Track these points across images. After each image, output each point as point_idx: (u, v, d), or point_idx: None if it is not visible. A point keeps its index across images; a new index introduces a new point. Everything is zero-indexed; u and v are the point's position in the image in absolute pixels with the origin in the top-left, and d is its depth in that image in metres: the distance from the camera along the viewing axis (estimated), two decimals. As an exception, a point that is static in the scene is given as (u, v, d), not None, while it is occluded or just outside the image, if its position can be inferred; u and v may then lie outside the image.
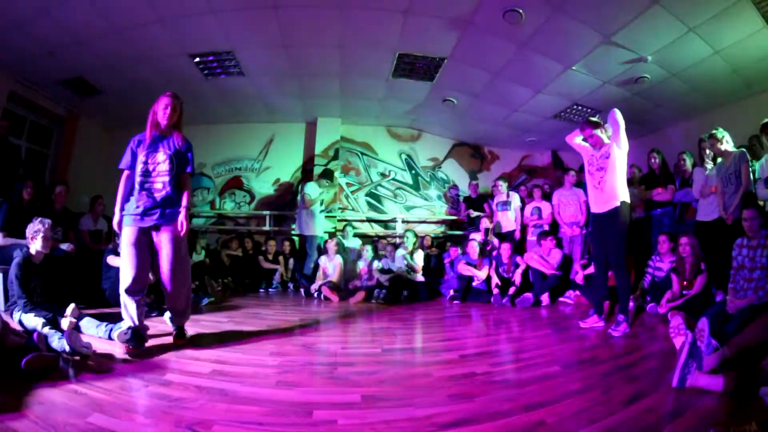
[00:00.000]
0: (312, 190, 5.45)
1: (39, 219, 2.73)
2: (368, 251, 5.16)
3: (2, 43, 4.09)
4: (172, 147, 2.35)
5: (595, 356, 2.26)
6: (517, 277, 4.41)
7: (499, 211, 5.61)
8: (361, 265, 5.10)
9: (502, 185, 5.62)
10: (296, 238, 6.09)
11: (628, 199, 2.90)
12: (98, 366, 1.90)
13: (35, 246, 2.69)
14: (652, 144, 5.69)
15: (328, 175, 5.96)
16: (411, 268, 4.85)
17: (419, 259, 4.97)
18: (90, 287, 3.63)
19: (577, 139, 3.19)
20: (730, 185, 3.37)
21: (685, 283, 3.46)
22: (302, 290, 5.05)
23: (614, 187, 2.87)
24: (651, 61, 4.23)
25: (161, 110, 2.32)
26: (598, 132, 2.98)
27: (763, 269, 2.57)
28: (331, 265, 4.86)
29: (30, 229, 2.71)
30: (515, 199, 5.58)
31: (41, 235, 2.68)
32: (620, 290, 2.89)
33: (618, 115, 2.86)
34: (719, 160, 3.58)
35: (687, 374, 1.65)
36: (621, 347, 2.49)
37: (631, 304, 3.18)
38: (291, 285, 5.44)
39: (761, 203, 3.38)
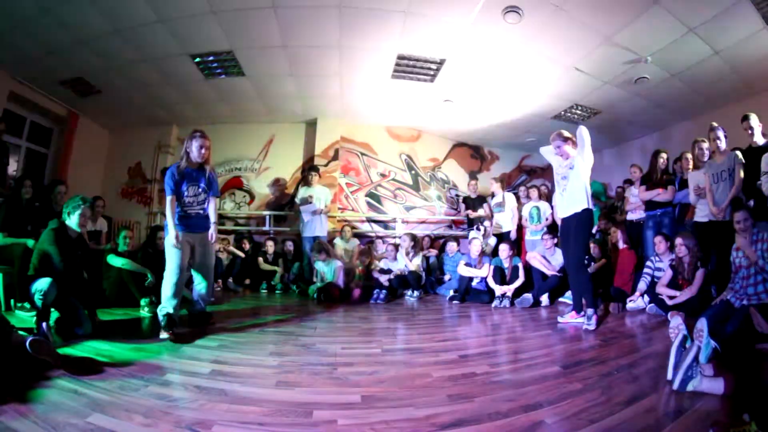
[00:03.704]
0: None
1: (81, 196, 2.84)
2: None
3: (2, 42, 4.09)
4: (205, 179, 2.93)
5: (595, 356, 2.26)
6: (520, 274, 4.44)
7: (495, 212, 5.66)
8: (360, 266, 5.09)
9: (495, 185, 5.79)
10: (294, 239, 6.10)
11: (590, 206, 3.09)
12: (98, 366, 1.90)
13: (70, 222, 2.78)
14: (652, 144, 5.70)
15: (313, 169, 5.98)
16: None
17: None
18: (89, 287, 3.62)
19: (546, 153, 3.43)
20: (721, 182, 3.39)
21: (681, 281, 3.47)
22: (298, 291, 5.07)
23: (575, 195, 3.10)
24: (651, 61, 4.23)
25: (198, 150, 2.85)
26: (566, 145, 3.20)
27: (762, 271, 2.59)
28: (327, 269, 4.81)
29: (68, 204, 2.80)
30: (510, 200, 5.61)
31: (79, 212, 2.79)
32: (583, 290, 3.12)
33: (584, 132, 3.06)
34: (710, 159, 3.62)
35: (690, 378, 1.64)
36: (621, 347, 2.48)
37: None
38: (294, 286, 5.43)
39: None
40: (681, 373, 1.64)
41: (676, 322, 2.20)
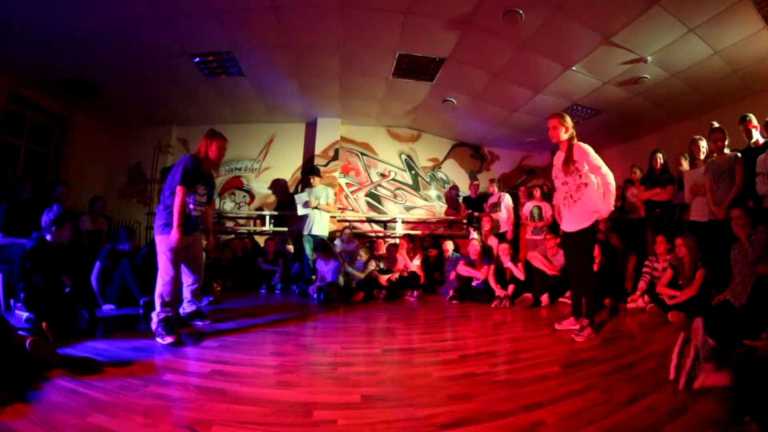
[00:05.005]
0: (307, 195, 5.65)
1: (64, 210, 2.83)
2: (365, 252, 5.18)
3: (2, 42, 4.09)
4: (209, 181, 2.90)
5: (595, 356, 2.26)
6: (519, 273, 4.43)
7: (492, 212, 5.69)
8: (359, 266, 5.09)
9: (492, 186, 5.92)
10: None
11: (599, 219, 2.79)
12: (98, 366, 1.90)
13: (51, 236, 2.77)
14: (652, 144, 5.70)
15: (314, 172, 6.00)
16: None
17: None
18: (87, 287, 3.62)
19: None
20: (722, 182, 3.40)
21: (682, 282, 3.47)
22: (298, 291, 5.07)
23: (586, 209, 2.76)
24: (651, 61, 4.23)
25: (218, 152, 2.79)
26: (561, 127, 2.78)
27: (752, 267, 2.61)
28: (327, 269, 4.79)
29: (46, 219, 2.76)
30: (506, 199, 5.64)
31: (61, 228, 2.78)
32: (586, 294, 2.84)
33: (611, 182, 2.70)
34: (706, 159, 3.63)
35: (694, 377, 1.64)
36: (621, 347, 2.48)
37: None
38: (294, 286, 5.42)
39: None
40: (685, 374, 1.65)
41: (698, 323, 2.20)
